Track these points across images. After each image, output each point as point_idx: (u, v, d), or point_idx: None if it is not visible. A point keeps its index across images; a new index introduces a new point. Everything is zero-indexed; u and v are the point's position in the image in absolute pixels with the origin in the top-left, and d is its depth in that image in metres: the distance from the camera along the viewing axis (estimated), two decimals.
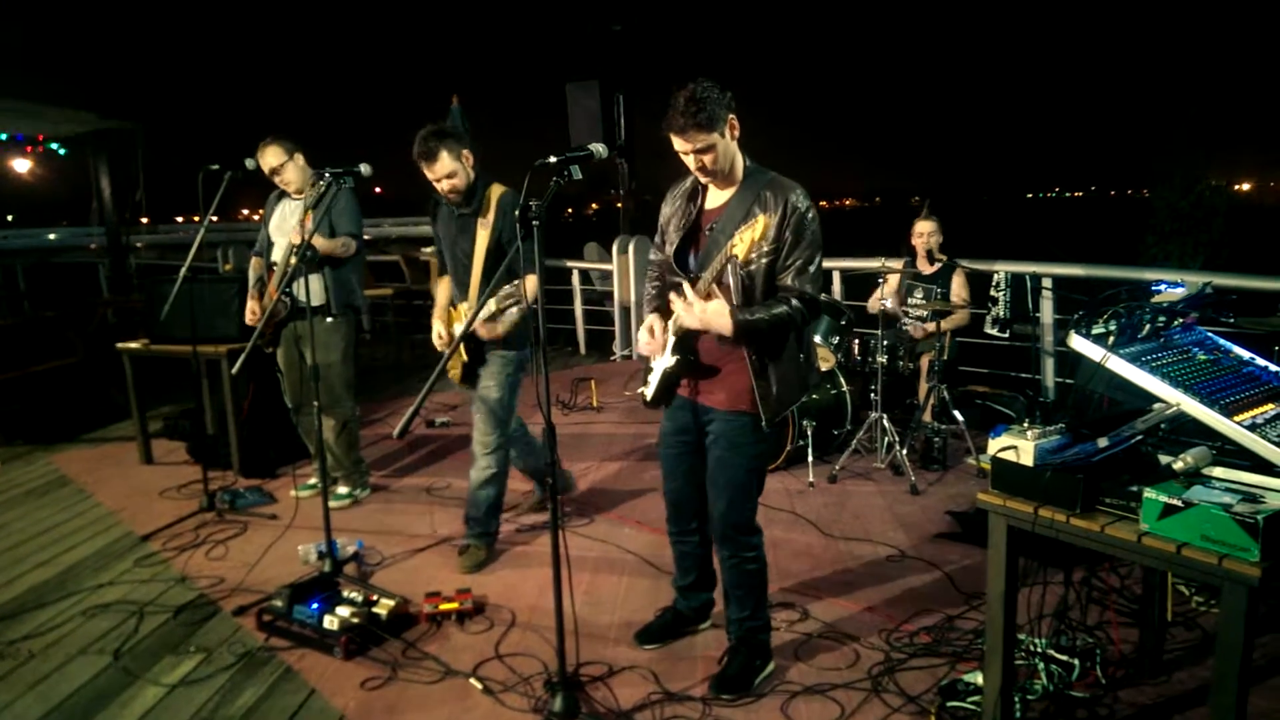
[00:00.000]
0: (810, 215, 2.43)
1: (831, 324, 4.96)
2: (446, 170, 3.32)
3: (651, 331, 2.62)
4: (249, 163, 4.01)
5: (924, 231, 5.06)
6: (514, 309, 3.19)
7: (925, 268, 5.07)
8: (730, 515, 2.61)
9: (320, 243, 3.81)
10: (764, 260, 2.42)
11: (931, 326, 4.84)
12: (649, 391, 2.72)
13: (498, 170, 3.60)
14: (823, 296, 4.94)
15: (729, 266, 2.40)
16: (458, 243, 3.49)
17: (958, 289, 5.00)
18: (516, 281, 3.10)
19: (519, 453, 3.84)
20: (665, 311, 2.64)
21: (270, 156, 4.03)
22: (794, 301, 2.41)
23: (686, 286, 2.47)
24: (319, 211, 3.76)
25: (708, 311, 2.40)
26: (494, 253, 3.39)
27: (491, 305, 3.12)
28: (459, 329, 3.41)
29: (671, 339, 2.58)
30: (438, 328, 3.61)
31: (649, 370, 2.73)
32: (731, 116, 2.40)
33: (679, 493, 2.79)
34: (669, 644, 2.93)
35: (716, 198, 2.57)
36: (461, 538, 3.70)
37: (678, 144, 2.41)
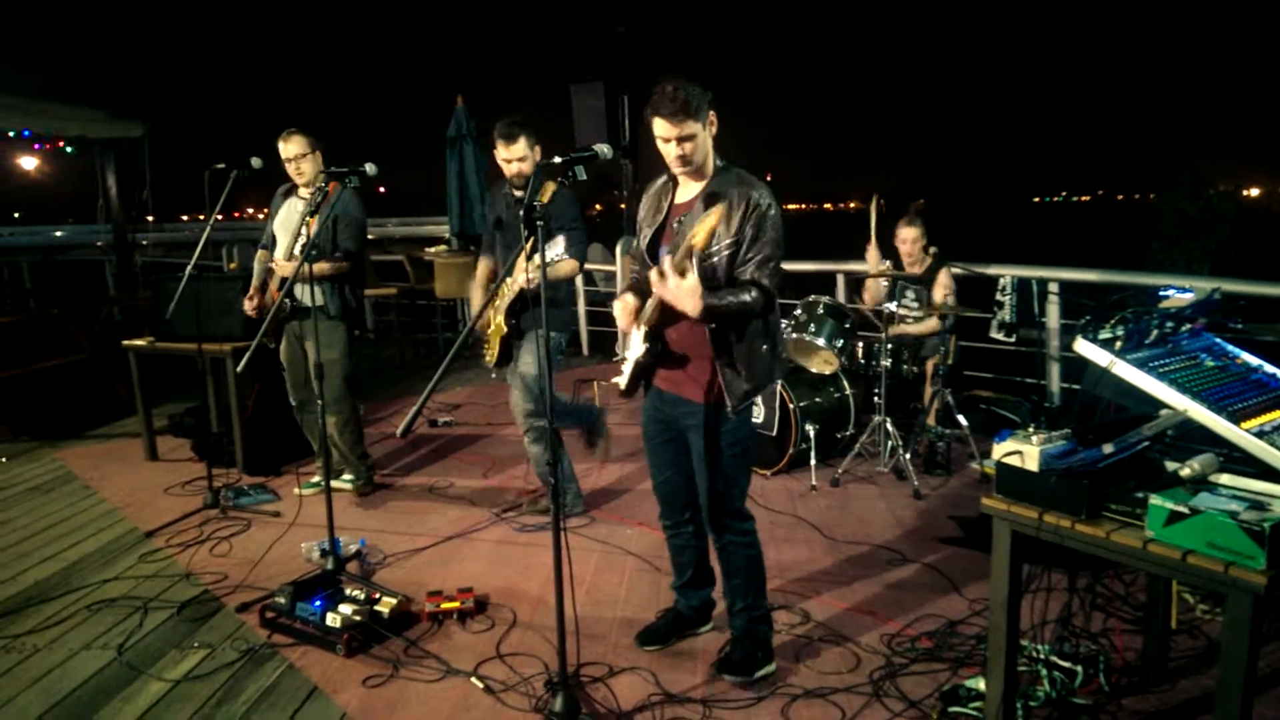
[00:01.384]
0: (772, 213, 2.48)
1: (835, 327, 4.95)
2: (520, 154, 3.64)
3: (625, 306, 2.63)
4: (255, 161, 4.03)
5: (908, 238, 5.02)
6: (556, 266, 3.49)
7: (915, 268, 5.04)
8: (718, 501, 2.66)
9: (317, 266, 3.90)
10: (725, 253, 2.47)
11: (933, 324, 4.81)
12: (623, 382, 2.77)
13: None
14: (826, 299, 4.97)
15: (690, 256, 2.43)
16: (510, 226, 3.79)
17: (943, 282, 4.92)
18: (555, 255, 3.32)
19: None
20: (641, 292, 2.65)
21: (294, 145, 4.10)
22: (754, 291, 2.45)
23: (665, 259, 2.44)
24: (322, 216, 3.78)
25: (681, 287, 2.37)
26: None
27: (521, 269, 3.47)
28: (502, 304, 3.74)
29: (643, 329, 2.62)
30: (478, 304, 3.97)
31: (623, 360, 2.78)
32: (712, 113, 2.48)
33: (668, 483, 2.83)
34: (670, 645, 2.93)
35: (686, 193, 2.62)
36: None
37: (665, 129, 2.44)
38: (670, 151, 2.49)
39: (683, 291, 2.37)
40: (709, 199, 2.50)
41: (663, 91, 2.41)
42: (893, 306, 4.83)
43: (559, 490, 2.45)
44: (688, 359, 2.61)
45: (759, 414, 4.62)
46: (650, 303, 2.57)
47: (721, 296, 2.43)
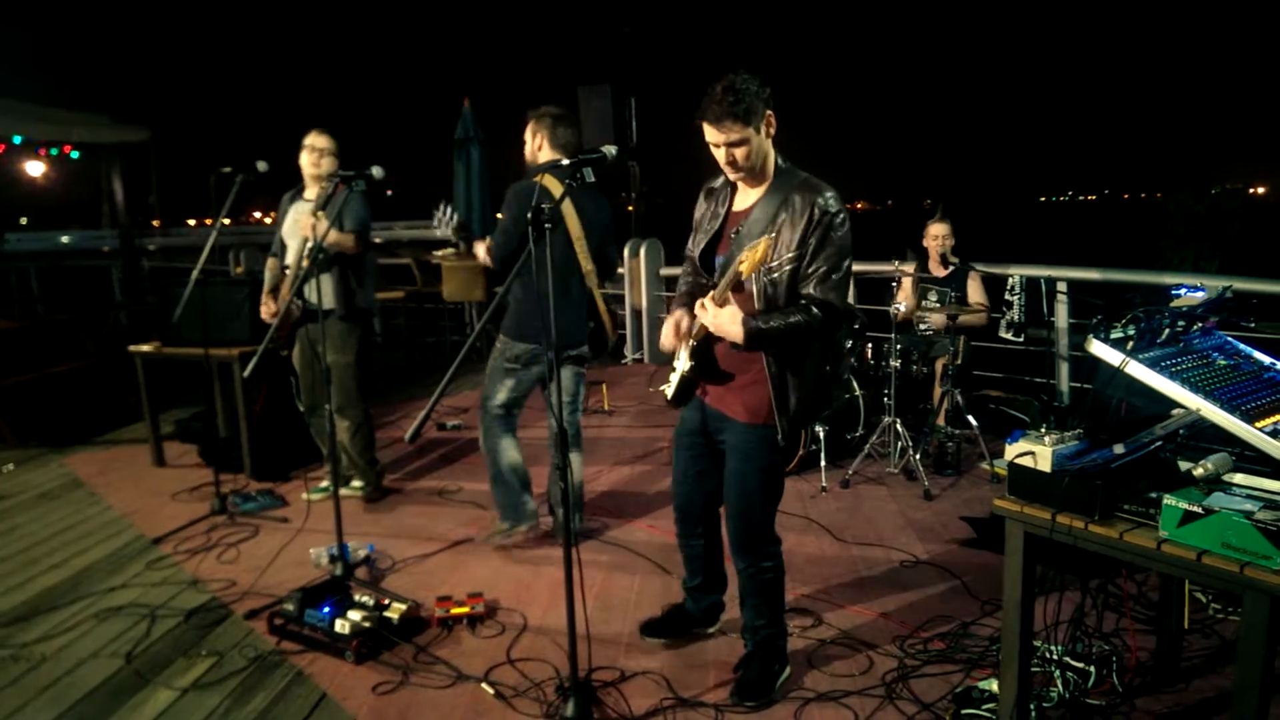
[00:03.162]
0: (839, 219, 2.33)
1: (844, 329, 4.94)
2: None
3: (677, 327, 2.56)
4: (260, 165, 4.04)
5: (938, 234, 5.08)
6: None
7: (938, 271, 5.07)
8: (746, 525, 2.58)
9: (331, 236, 3.86)
10: (787, 268, 2.34)
11: (982, 317, 4.87)
12: (669, 391, 2.71)
13: (514, 173, 3.70)
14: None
15: (739, 279, 2.32)
16: None
17: (974, 292, 5.00)
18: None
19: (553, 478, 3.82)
20: (692, 309, 2.59)
21: (324, 139, 4.19)
22: (813, 310, 2.31)
23: (709, 294, 2.38)
24: (330, 213, 3.79)
25: (721, 317, 2.32)
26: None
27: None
28: None
29: (690, 343, 2.55)
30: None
31: (672, 370, 2.71)
32: (769, 113, 2.34)
33: (688, 497, 2.77)
34: (675, 641, 2.92)
35: (745, 199, 2.50)
36: None
37: (710, 135, 2.34)
38: (720, 157, 2.37)
39: (724, 320, 2.31)
40: (773, 206, 2.37)
41: (710, 94, 2.27)
42: (903, 309, 4.82)
43: (568, 495, 2.43)
44: (735, 375, 2.49)
45: None
46: (697, 322, 2.49)
47: (769, 320, 2.31)
